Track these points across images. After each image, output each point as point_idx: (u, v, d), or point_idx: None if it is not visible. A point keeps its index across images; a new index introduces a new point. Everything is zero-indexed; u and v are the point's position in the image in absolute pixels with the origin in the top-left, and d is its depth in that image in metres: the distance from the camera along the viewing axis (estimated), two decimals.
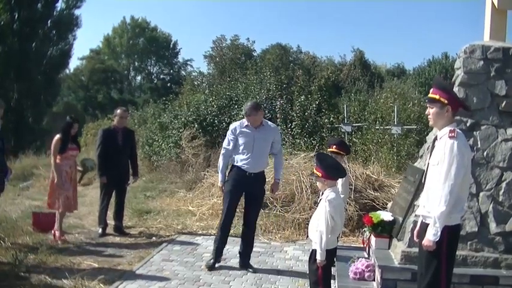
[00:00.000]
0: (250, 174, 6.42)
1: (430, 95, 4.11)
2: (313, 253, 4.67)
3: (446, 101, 3.99)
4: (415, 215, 5.20)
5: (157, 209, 10.21)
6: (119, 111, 8.49)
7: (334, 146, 6.47)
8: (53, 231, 7.77)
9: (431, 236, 3.82)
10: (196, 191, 10.88)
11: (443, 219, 3.79)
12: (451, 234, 3.89)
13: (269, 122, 6.83)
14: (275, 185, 6.95)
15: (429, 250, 3.87)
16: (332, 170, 4.67)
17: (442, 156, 3.88)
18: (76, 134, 8.11)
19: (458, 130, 3.98)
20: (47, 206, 7.96)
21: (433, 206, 3.86)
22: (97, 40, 65.45)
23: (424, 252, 3.94)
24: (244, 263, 6.57)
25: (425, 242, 3.86)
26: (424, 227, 4.01)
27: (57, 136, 7.73)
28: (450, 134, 3.89)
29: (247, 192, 6.60)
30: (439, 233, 3.80)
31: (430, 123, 4.21)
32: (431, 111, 4.08)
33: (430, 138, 6.07)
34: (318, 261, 4.56)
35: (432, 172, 4.02)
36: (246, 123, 6.51)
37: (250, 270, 6.45)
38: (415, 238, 4.19)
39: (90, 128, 22.40)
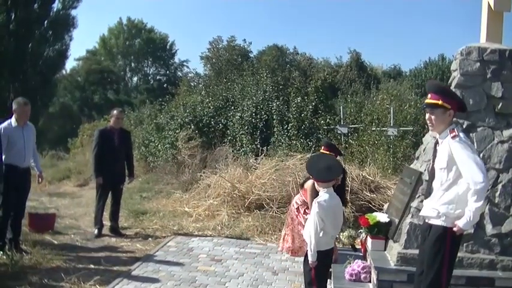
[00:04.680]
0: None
1: (431, 101, 4.02)
2: (307, 254, 4.68)
3: (449, 106, 3.96)
4: (414, 216, 5.21)
5: (154, 210, 10.21)
6: (115, 112, 8.50)
7: (323, 147, 6.67)
8: None
9: (463, 224, 3.81)
10: (192, 192, 10.88)
11: (482, 193, 3.77)
12: (455, 236, 3.91)
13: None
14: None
15: (433, 250, 3.91)
16: (321, 173, 4.65)
17: (450, 158, 3.89)
18: None
19: (457, 129, 3.99)
20: (291, 253, 6.54)
21: (470, 181, 3.79)
22: (93, 41, 65.20)
23: (427, 252, 3.97)
24: None
25: (457, 228, 3.84)
26: (427, 227, 4.03)
27: (311, 182, 5.87)
28: (451, 135, 3.90)
29: None
30: (471, 225, 3.85)
31: (431, 128, 4.17)
32: (432, 117, 4.02)
33: (426, 139, 6.08)
34: (309, 262, 4.57)
35: (439, 175, 4.03)
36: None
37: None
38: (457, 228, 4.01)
39: (86, 128, 22.32)
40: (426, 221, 4.14)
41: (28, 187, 7.13)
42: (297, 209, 6.38)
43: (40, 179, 7.57)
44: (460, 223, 3.81)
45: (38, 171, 7.43)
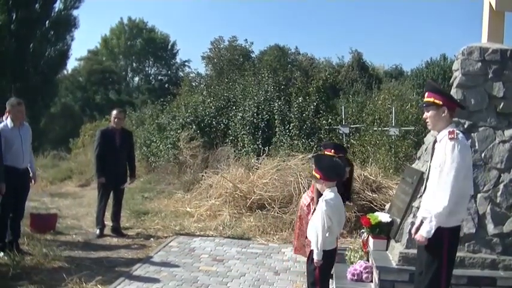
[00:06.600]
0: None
1: (424, 100, 4.18)
2: (311, 254, 4.68)
3: (441, 102, 4.05)
4: (415, 216, 5.20)
5: (155, 210, 10.21)
6: (114, 112, 8.50)
7: (333, 151, 6.36)
8: None
9: (425, 232, 3.89)
10: (194, 192, 10.88)
11: (440, 219, 3.84)
12: (451, 236, 3.92)
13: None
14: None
15: (431, 250, 3.92)
16: (330, 171, 4.68)
17: (443, 158, 3.90)
18: None
19: (457, 131, 4.00)
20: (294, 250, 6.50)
21: (433, 206, 3.89)
22: (95, 41, 65.41)
23: (425, 253, 3.98)
24: None
25: (418, 236, 3.95)
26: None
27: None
28: (450, 136, 3.91)
29: None
30: (432, 231, 3.86)
31: (429, 127, 4.26)
32: (428, 115, 4.14)
33: (428, 139, 6.08)
34: (315, 261, 4.56)
35: (434, 174, 4.04)
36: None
37: None
38: (413, 236, 4.19)
39: (88, 129, 22.35)
40: (422, 220, 4.14)
41: (27, 188, 7.10)
42: (308, 205, 6.01)
43: (33, 180, 7.30)
44: (422, 231, 3.92)
45: (31, 172, 7.22)
